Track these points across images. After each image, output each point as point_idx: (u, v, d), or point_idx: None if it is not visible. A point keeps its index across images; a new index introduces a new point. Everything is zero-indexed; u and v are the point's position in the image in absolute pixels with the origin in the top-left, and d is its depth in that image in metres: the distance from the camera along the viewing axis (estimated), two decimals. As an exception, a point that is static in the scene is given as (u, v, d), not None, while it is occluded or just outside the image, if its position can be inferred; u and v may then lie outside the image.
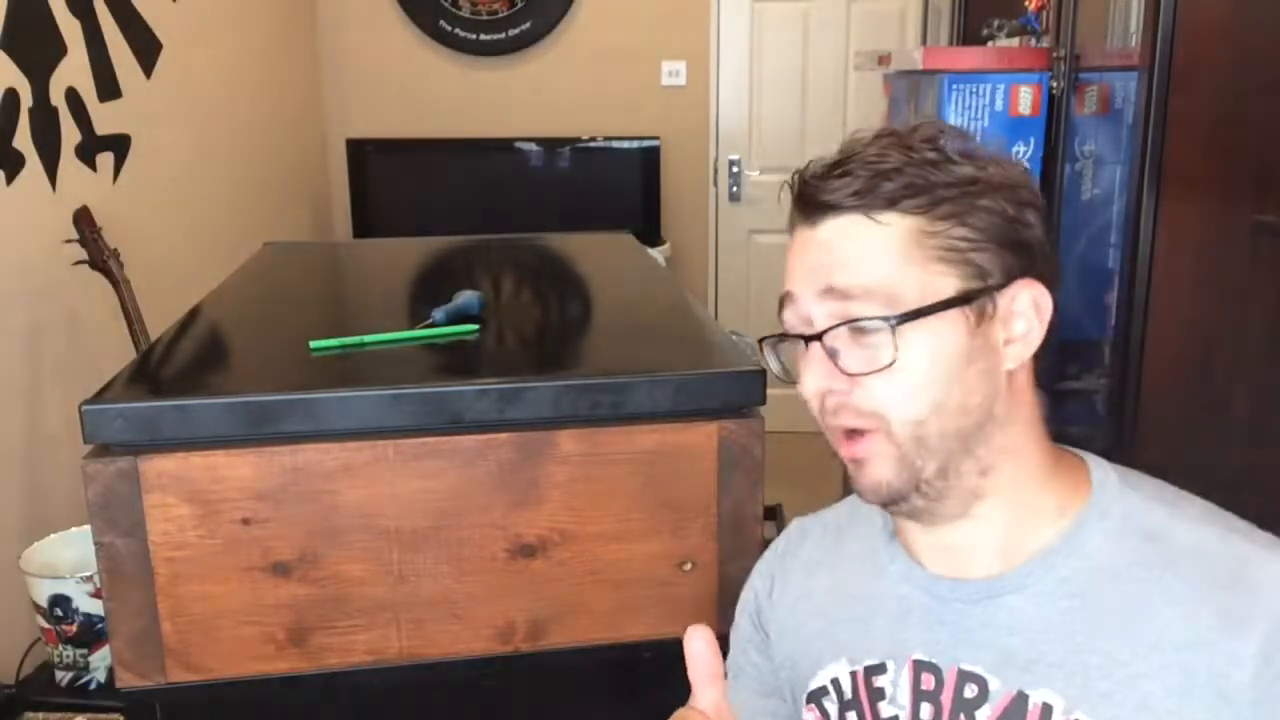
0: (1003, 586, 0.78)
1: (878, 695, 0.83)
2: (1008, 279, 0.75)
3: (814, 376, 0.77)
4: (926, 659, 0.81)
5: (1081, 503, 0.79)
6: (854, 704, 0.85)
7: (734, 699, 0.97)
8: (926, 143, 0.76)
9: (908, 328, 0.73)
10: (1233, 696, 0.69)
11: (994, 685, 0.77)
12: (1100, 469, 0.81)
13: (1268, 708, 0.68)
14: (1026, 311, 0.76)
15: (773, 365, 0.83)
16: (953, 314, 0.74)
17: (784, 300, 0.79)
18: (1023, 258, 0.76)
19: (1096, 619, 0.74)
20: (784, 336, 0.80)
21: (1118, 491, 0.79)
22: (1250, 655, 0.69)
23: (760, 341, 0.83)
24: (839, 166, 0.76)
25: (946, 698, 0.79)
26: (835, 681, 0.86)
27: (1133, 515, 0.77)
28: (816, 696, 0.87)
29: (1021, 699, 0.75)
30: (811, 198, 0.77)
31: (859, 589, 0.87)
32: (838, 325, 0.75)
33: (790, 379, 0.80)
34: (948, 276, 0.74)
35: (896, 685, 0.82)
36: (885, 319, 0.73)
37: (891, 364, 0.74)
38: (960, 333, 0.75)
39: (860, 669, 0.84)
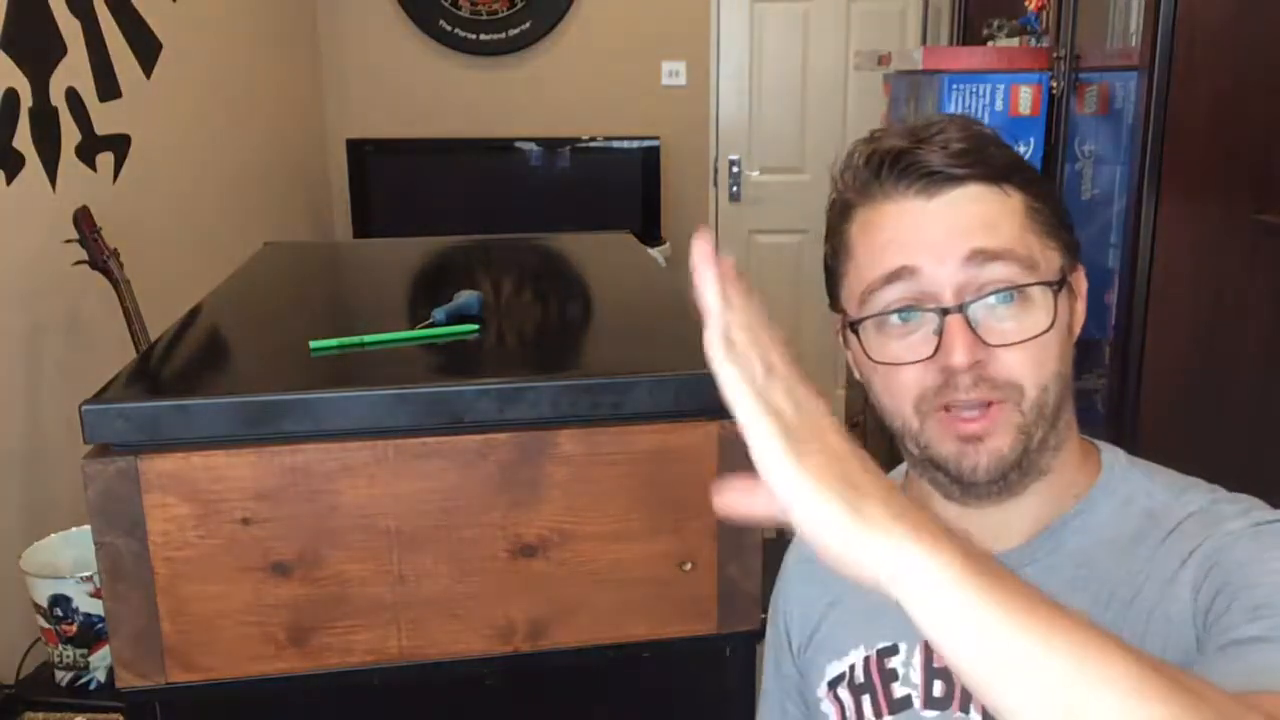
0: (1016, 560, 0.79)
1: (890, 677, 0.84)
2: (1077, 258, 0.80)
3: (966, 347, 0.73)
4: None
5: (1092, 481, 0.81)
6: (867, 687, 0.85)
7: (771, 712, 1.00)
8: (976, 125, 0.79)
9: (1037, 296, 0.74)
10: (1183, 614, 0.70)
11: None
12: (1109, 451, 0.84)
13: (1209, 594, 0.69)
14: (1083, 289, 0.81)
15: (881, 351, 0.77)
16: (1067, 286, 0.77)
17: (896, 275, 0.75)
18: (1075, 240, 0.80)
19: (1100, 589, 0.76)
20: (915, 309, 0.75)
21: (1124, 472, 0.81)
22: (1193, 554, 0.72)
23: (853, 325, 0.78)
24: (932, 141, 0.75)
25: None
26: (851, 668, 0.87)
27: (1137, 497, 0.79)
28: (834, 685, 0.88)
29: None
30: (925, 168, 0.74)
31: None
32: (998, 290, 0.73)
33: (907, 358, 0.76)
34: (1056, 251, 0.77)
35: (909, 665, 0.83)
36: (1047, 284, 0.74)
37: (1049, 328, 0.74)
38: (1069, 306, 0.78)
39: (873, 652, 0.85)
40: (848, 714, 0.87)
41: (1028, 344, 0.74)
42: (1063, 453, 0.80)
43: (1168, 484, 0.80)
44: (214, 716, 1.02)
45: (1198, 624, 0.68)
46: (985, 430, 0.75)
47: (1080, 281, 0.81)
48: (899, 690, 0.83)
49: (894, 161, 0.75)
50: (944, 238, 0.74)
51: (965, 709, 0.79)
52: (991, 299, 0.74)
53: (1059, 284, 0.75)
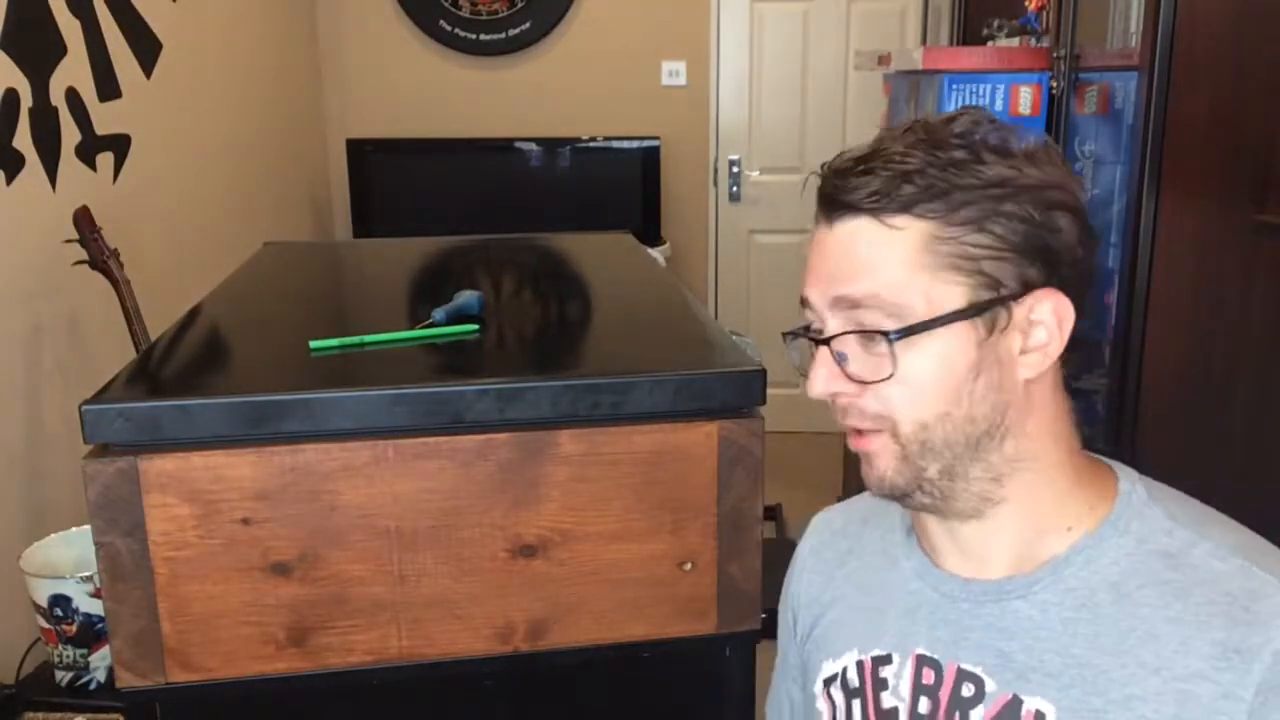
0: (1009, 590, 0.78)
1: (881, 685, 0.84)
2: (1025, 288, 0.73)
3: (821, 379, 0.77)
4: (929, 654, 0.81)
5: (1103, 515, 0.77)
6: (859, 692, 0.85)
7: (779, 698, 1.01)
8: (959, 138, 0.73)
9: (912, 339, 0.72)
10: None
11: (990, 687, 0.77)
12: (1128, 481, 0.79)
13: None
14: (1048, 321, 0.74)
15: (793, 358, 0.83)
16: (959, 325, 0.72)
17: (802, 303, 0.79)
18: (1046, 265, 0.73)
19: (1099, 634, 0.74)
20: (798, 334, 0.80)
21: (1142, 507, 0.77)
22: (1248, 693, 0.68)
23: (784, 334, 0.83)
24: (862, 163, 0.74)
25: (944, 694, 0.80)
26: (845, 670, 0.87)
27: (1154, 535, 0.76)
28: (829, 684, 0.89)
29: (1016, 703, 0.76)
30: (830, 195, 0.75)
31: (876, 580, 0.88)
32: (844, 333, 0.75)
33: (803, 373, 0.81)
34: (958, 285, 0.72)
35: (899, 677, 0.83)
36: (885, 333, 0.73)
37: (890, 376, 0.73)
38: (967, 344, 0.73)
39: (868, 658, 0.85)
40: (838, 714, 0.87)
41: (895, 383, 0.74)
42: (1021, 481, 0.77)
43: (1190, 521, 0.76)
44: (214, 716, 1.02)
45: None
46: (866, 451, 0.78)
47: (1055, 308, 0.74)
48: (887, 700, 0.83)
49: (820, 180, 0.77)
50: (823, 275, 0.76)
51: None
52: (850, 336, 0.75)
53: (911, 330, 0.72)
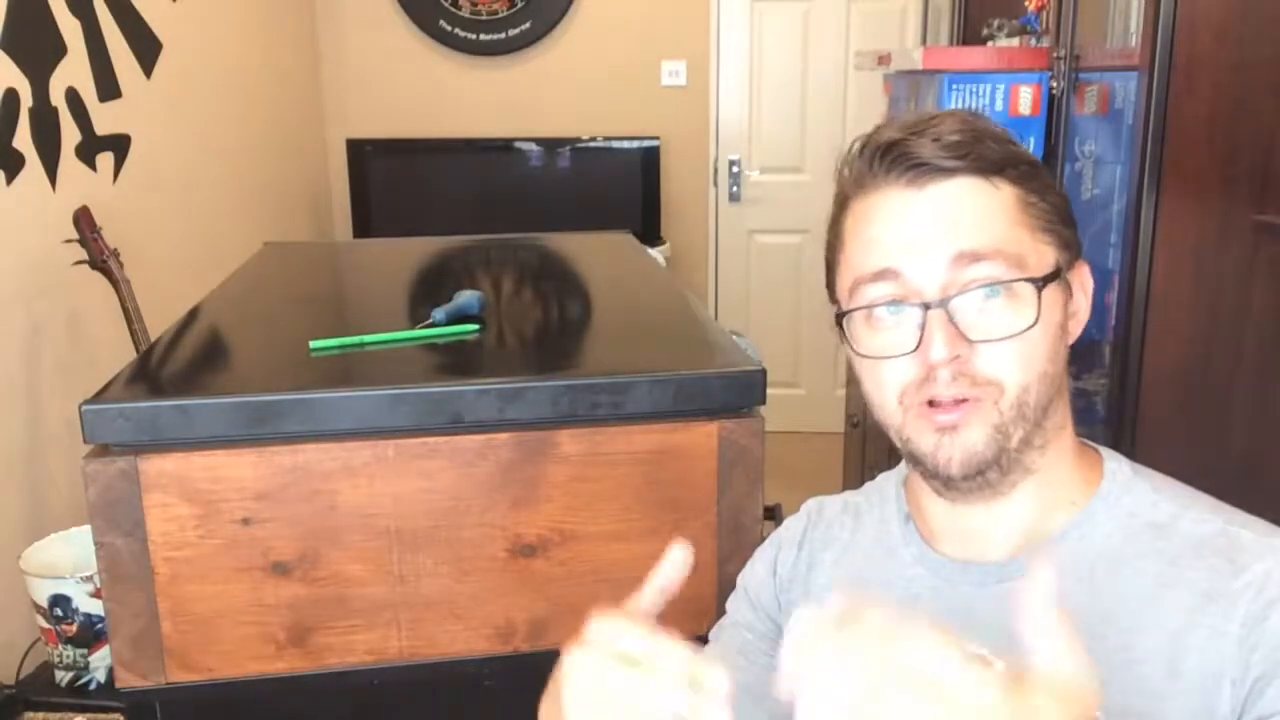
0: (1009, 571, 0.78)
1: None
2: (1077, 254, 0.78)
3: (945, 341, 0.73)
4: None
5: (1092, 490, 0.80)
6: None
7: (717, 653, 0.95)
8: (975, 118, 0.77)
9: (1044, 291, 0.74)
10: (1216, 672, 0.70)
11: (998, 667, 0.77)
12: (1114, 459, 0.82)
13: (1248, 685, 0.69)
14: (1087, 286, 0.79)
15: (863, 341, 0.78)
16: (1059, 283, 0.76)
17: (881, 275, 0.75)
18: (1077, 236, 0.78)
19: (1096, 604, 0.75)
20: (900, 303, 0.75)
21: (1128, 482, 0.80)
22: (1234, 626, 0.70)
23: (843, 316, 0.79)
24: (927, 132, 0.74)
25: None
26: None
27: (1142, 508, 0.78)
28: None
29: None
30: (908, 162, 0.74)
31: (872, 570, 0.88)
32: (981, 286, 0.73)
33: (890, 353, 0.76)
34: (1050, 246, 0.76)
35: None
36: (1031, 280, 0.73)
37: (1034, 325, 0.73)
38: (1060, 304, 0.76)
39: None
40: None
41: (1012, 340, 0.73)
42: (1050, 453, 0.79)
43: (1174, 496, 0.78)
44: (214, 716, 1.02)
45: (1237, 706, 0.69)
46: (959, 422, 0.75)
47: (1083, 278, 0.80)
48: None
49: (885, 152, 0.76)
50: (929, 235, 0.74)
51: None
52: (974, 294, 0.74)
53: (1046, 280, 0.74)
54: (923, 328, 0.74)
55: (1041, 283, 0.73)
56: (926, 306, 0.74)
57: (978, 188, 0.74)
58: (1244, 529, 0.75)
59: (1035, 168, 0.77)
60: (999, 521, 0.80)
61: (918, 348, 0.74)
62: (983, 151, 0.74)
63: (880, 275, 0.76)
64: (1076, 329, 0.79)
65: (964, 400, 0.75)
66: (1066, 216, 0.78)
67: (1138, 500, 0.79)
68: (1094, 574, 0.76)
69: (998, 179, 0.74)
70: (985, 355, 0.74)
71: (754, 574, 0.96)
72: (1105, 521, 0.78)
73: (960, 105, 2.16)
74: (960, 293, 0.73)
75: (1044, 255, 0.75)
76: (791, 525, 0.97)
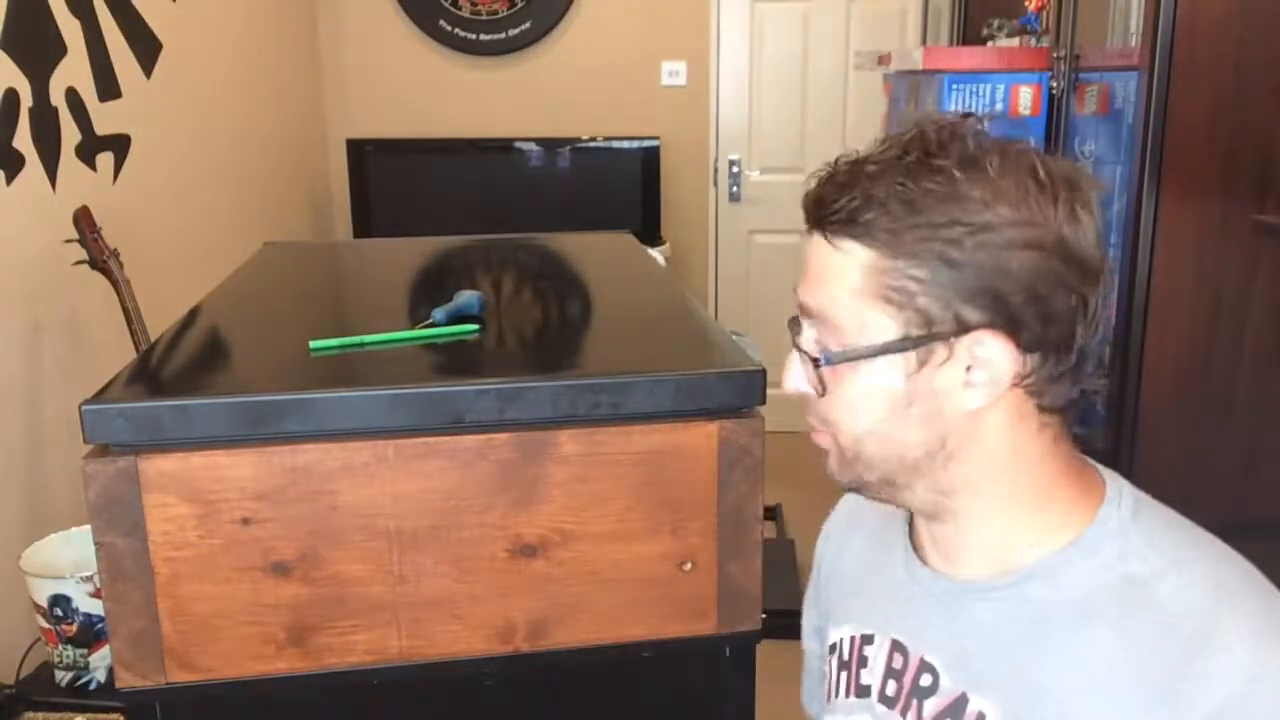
0: (970, 592, 0.80)
1: (863, 662, 0.88)
2: (962, 329, 0.72)
3: (792, 378, 0.81)
4: (901, 641, 0.84)
5: (1072, 536, 0.76)
6: (847, 665, 0.90)
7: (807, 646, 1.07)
8: (940, 165, 0.71)
9: (839, 365, 0.76)
10: None
11: (944, 681, 0.80)
12: (1112, 502, 0.77)
13: None
14: (987, 361, 0.72)
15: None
16: (888, 357, 0.74)
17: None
18: (990, 307, 0.71)
19: (1048, 650, 0.74)
20: (794, 333, 0.83)
21: (1117, 529, 0.76)
22: None
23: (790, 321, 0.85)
24: (839, 178, 0.76)
25: (907, 680, 0.83)
26: (841, 641, 0.91)
27: (1126, 559, 0.74)
28: (832, 650, 0.93)
29: (963, 701, 0.78)
30: (805, 206, 0.79)
31: (876, 561, 0.92)
32: (794, 347, 0.80)
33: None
34: (888, 318, 0.73)
35: (876, 658, 0.86)
36: (814, 359, 0.77)
37: (822, 395, 0.78)
38: (896, 374, 0.74)
39: (858, 635, 0.89)
40: (831, 681, 0.92)
41: (832, 399, 0.78)
42: (973, 496, 0.77)
43: (1171, 549, 0.74)
44: (214, 716, 1.02)
45: None
46: (823, 445, 0.83)
47: (992, 349, 0.72)
48: (865, 677, 0.87)
49: (806, 190, 0.80)
50: (801, 278, 0.80)
51: (905, 715, 0.82)
52: (795, 349, 0.80)
53: (830, 359, 0.76)
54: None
55: (824, 360, 0.76)
56: (794, 343, 0.80)
57: (825, 248, 0.76)
58: (1231, 615, 0.70)
59: (943, 238, 0.70)
60: (959, 542, 0.81)
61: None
62: (852, 216, 0.73)
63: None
64: (981, 397, 0.73)
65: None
66: (972, 289, 0.70)
67: (1124, 548, 0.74)
68: (1057, 620, 0.74)
69: (850, 243, 0.74)
70: (822, 398, 0.78)
71: (806, 595, 1.06)
72: (1078, 570, 0.75)
73: (960, 105, 2.16)
74: (797, 340, 0.80)
75: (877, 326, 0.73)
76: (835, 515, 1.04)
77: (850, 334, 0.74)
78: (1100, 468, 0.81)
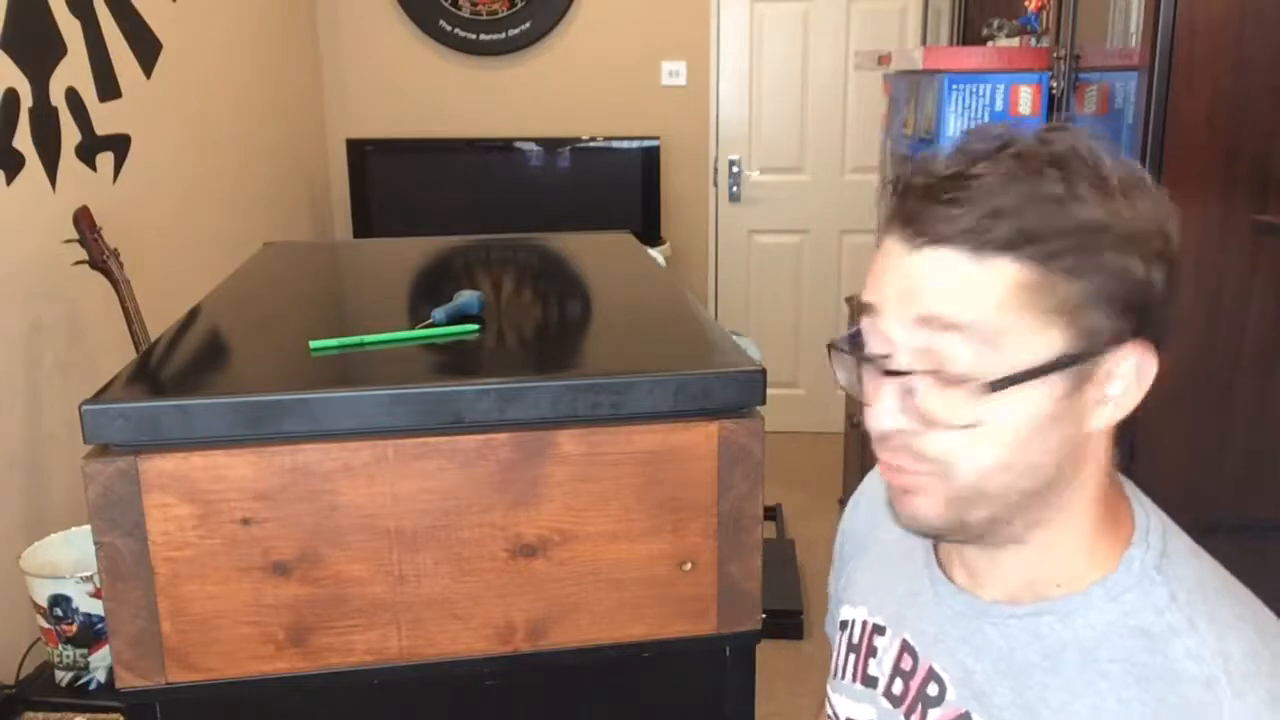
0: (987, 614, 0.79)
1: (871, 652, 0.87)
2: (1118, 341, 0.68)
3: (887, 414, 0.70)
4: (912, 644, 0.84)
5: (1099, 577, 0.74)
6: (856, 649, 0.90)
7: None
8: (1055, 168, 0.68)
9: (1000, 392, 0.67)
10: None
11: (951, 695, 0.79)
12: (1140, 547, 0.74)
13: None
14: (1128, 375, 0.69)
15: (840, 376, 0.76)
16: (1051, 377, 0.67)
17: (865, 309, 0.72)
18: (1137, 319, 0.69)
19: (1051, 688, 0.73)
20: (861, 357, 0.72)
21: (1145, 576, 0.73)
22: None
23: (830, 346, 0.76)
24: (951, 189, 0.67)
25: (914, 685, 0.82)
26: (854, 622, 0.91)
27: (1144, 610, 0.71)
28: (844, 627, 0.93)
29: (964, 718, 0.77)
30: (915, 218, 0.69)
31: (899, 553, 0.91)
32: (925, 372, 0.68)
33: (854, 394, 0.74)
34: (1053, 335, 0.67)
35: (886, 652, 0.86)
36: (979, 381, 0.67)
37: (972, 426, 0.68)
38: (1053, 396, 0.68)
39: (871, 623, 0.89)
40: (839, 658, 0.92)
41: (974, 431, 0.68)
42: (1049, 529, 0.74)
43: (1192, 604, 0.71)
44: (214, 716, 1.02)
45: None
46: (913, 487, 0.72)
47: (1128, 362, 0.69)
48: (873, 668, 0.87)
49: (899, 195, 0.71)
50: (903, 291, 0.69)
51: (909, 718, 0.82)
52: (921, 374, 0.69)
53: (998, 384, 0.66)
54: (862, 382, 0.72)
55: (992, 385, 0.66)
56: (880, 369, 0.70)
57: (964, 265, 0.67)
58: (1236, 690, 0.66)
59: (1085, 246, 0.67)
60: (990, 567, 0.78)
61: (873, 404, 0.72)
62: (989, 228, 0.66)
63: (865, 309, 0.73)
64: (1112, 414, 0.70)
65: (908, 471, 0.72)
66: (1121, 300, 0.68)
67: (1144, 601, 0.71)
68: (1065, 659, 0.73)
69: (1000, 259, 0.66)
70: (934, 434, 0.69)
71: (832, 568, 1.02)
72: (1096, 613, 0.73)
73: (960, 105, 2.16)
74: (904, 370, 0.69)
75: (1039, 344, 0.67)
76: (862, 487, 1.01)
77: (1007, 354, 0.67)
78: (1127, 487, 0.78)
